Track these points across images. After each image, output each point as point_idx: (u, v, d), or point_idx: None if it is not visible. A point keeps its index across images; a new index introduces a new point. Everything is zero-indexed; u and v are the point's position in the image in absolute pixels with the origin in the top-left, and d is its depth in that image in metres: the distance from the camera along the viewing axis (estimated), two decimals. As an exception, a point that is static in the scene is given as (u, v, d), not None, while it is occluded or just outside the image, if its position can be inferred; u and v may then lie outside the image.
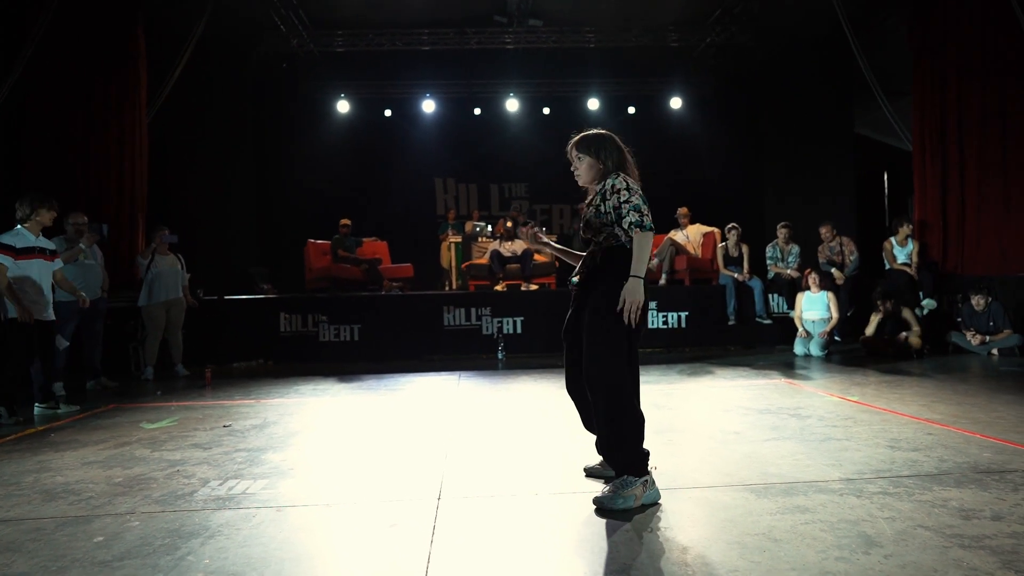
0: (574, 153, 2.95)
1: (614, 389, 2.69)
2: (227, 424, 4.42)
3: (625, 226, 2.73)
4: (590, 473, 3.11)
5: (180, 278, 7.01)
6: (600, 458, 3.12)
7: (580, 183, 2.99)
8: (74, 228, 6.01)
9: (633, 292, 2.67)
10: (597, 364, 2.70)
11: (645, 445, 2.75)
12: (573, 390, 3.00)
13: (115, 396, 5.77)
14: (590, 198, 2.92)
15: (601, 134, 2.93)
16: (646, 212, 2.74)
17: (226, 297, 8.22)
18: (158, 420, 4.62)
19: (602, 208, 2.80)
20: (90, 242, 6.11)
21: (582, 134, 2.95)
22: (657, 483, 2.82)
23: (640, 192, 2.79)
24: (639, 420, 2.73)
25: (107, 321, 6.50)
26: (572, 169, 2.98)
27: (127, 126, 8.18)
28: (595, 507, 2.65)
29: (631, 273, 2.70)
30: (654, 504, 2.68)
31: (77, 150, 7.93)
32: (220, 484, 3.09)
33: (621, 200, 2.75)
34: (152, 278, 6.77)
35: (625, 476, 2.66)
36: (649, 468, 2.72)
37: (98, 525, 2.60)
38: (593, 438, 3.08)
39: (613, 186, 2.79)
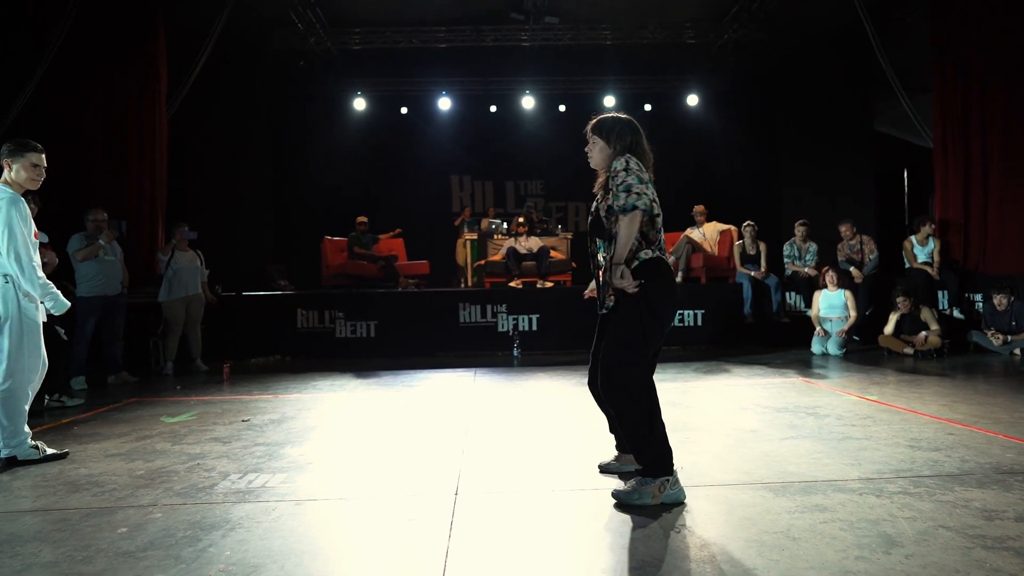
0: (589, 135, 2.91)
1: (631, 394, 2.67)
2: (246, 419, 4.47)
3: (616, 208, 2.63)
4: (604, 469, 3.12)
5: (199, 274, 7.09)
6: (615, 454, 3.13)
7: (591, 165, 2.95)
8: (94, 224, 6.09)
9: (617, 279, 2.63)
10: (614, 369, 2.69)
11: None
12: (596, 394, 3.00)
13: (136, 390, 5.85)
14: (603, 189, 2.86)
15: (617, 117, 2.88)
16: (637, 191, 2.62)
17: (244, 293, 8.29)
18: (178, 414, 4.68)
19: (611, 196, 2.73)
20: (109, 239, 6.18)
21: (599, 117, 2.91)
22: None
23: (639, 172, 2.68)
24: (658, 422, 2.70)
25: (127, 316, 6.58)
26: (586, 150, 2.94)
27: (146, 123, 8.29)
28: (614, 501, 2.66)
29: (613, 260, 2.65)
30: (678, 504, 2.65)
31: (97, 147, 8.04)
32: (240, 478, 3.12)
33: (616, 182, 2.66)
34: (171, 274, 6.85)
35: (646, 476, 2.66)
36: (675, 468, 2.70)
37: (121, 516, 2.64)
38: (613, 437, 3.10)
39: (614, 169, 2.70)
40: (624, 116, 2.90)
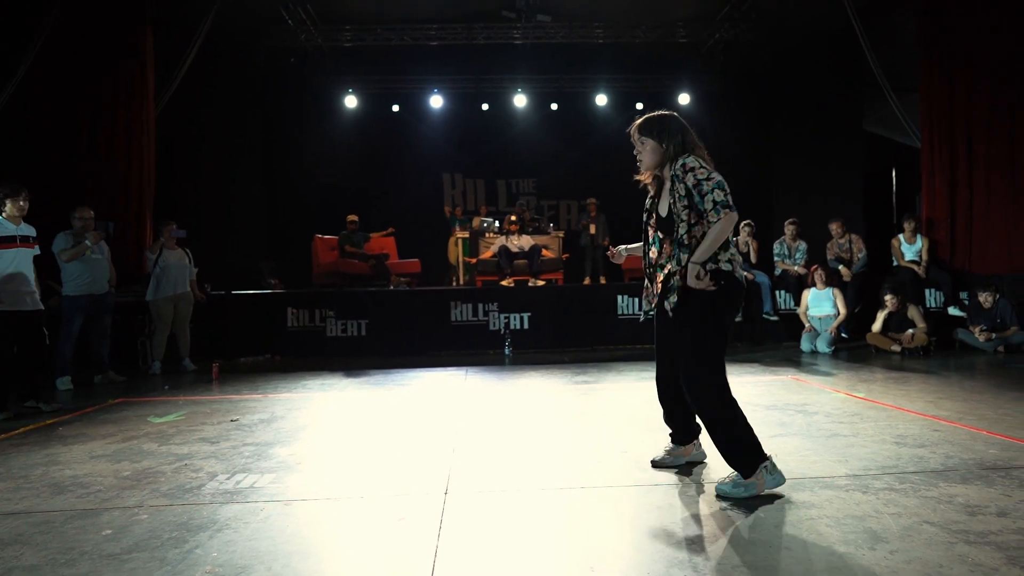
0: (636, 136, 2.85)
1: (716, 403, 2.69)
2: (234, 418, 4.45)
3: (708, 205, 2.61)
4: (658, 464, 3.14)
5: (188, 272, 7.04)
6: (666, 448, 3.15)
7: (642, 169, 2.89)
8: (80, 223, 6.03)
9: (691, 277, 2.61)
10: (697, 382, 2.70)
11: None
12: (663, 396, 3.08)
13: (122, 390, 5.80)
14: (663, 187, 2.82)
15: (663, 115, 2.83)
16: (728, 191, 2.63)
17: (233, 292, 8.25)
18: (166, 414, 4.65)
19: (676, 194, 2.70)
20: (96, 240, 6.11)
21: (645, 116, 2.86)
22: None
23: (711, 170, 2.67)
24: (743, 422, 2.70)
25: (114, 315, 6.53)
26: (635, 153, 2.89)
27: (134, 121, 8.22)
28: (716, 495, 2.71)
29: (693, 259, 2.63)
30: (780, 487, 2.69)
31: (84, 145, 7.98)
32: (228, 478, 3.11)
33: (699, 178, 2.64)
34: (160, 272, 6.81)
35: (744, 471, 2.69)
36: (768, 454, 2.71)
37: (106, 518, 2.62)
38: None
39: (684, 165, 2.68)
40: (669, 112, 2.86)
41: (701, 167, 2.67)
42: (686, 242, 2.70)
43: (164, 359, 6.88)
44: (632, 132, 2.87)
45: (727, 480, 2.72)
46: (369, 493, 2.87)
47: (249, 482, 3.04)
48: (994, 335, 6.95)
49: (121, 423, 4.40)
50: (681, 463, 3.11)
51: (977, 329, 7.05)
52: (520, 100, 12.59)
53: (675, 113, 2.86)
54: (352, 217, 9.94)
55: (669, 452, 3.13)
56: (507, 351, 7.72)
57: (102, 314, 6.24)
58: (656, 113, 2.86)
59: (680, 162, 2.70)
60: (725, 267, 2.69)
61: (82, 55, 7.92)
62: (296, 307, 8.10)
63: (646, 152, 2.83)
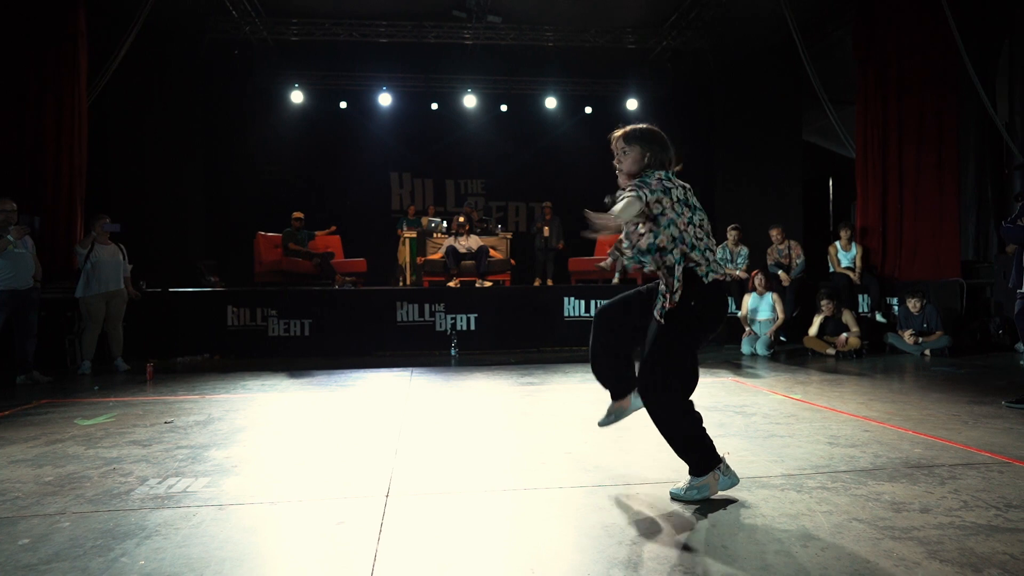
0: (620, 144, 2.85)
1: (665, 403, 2.71)
2: (169, 420, 4.28)
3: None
4: (603, 425, 3.11)
5: (121, 269, 6.77)
6: (607, 408, 3.11)
7: (621, 178, 2.88)
8: (2, 216, 5.71)
9: (597, 219, 2.61)
10: (652, 377, 2.72)
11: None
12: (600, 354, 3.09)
13: (48, 391, 5.52)
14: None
15: (650, 128, 2.88)
16: (652, 190, 2.65)
17: (171, 289, 7.97)
18: (94, 416, 4.44)
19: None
20: (19, 235, 5.80)
21: (629, 127, 2.88)
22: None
23: (667, 187, 2.69)
24: (695, 424, 2.72)
25: (41, 312, 6.21)
26: (615, 163, 2.89)
27: (65, 109, 7.83)
28: (671, 497, 2.72)
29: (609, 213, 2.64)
30: (733, 489, 2.72)
31: (9, 134, 7.56)
32: (159, 482, 2.99)
33: (637, 182, 2.70)
34: (90, 268, 6.52)
35: (698, 475, 2.71)
36: (722, 455, 2.74)
37: (24, 527, 2.48)
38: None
39: (655, 175, 2.74)
40: (654, 128, 2.90)
41: (659, 181, 2.72)
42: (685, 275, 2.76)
43: (95, 359, 6.58)
44: (615, 138, 2.88)
45: (681, 484, 2.76)
46: (308, 496, 2.80)
47: (182, 486, 2.93)
48: (921, 339, 7.30)
49: (45, 425, 4.18)
50: (625, 416, 3.05)
51: (906, 334, 7.38)
52: (470, 100, 12.57)
53: (659, 130, 2.91)
54: (297, 215, 9.73)
55: (608, 410, 3.09)
56: (453, 352, 7.69)
57: (26, 310, 5.93)
58: (643, 126, 2.89)
59: (654, 175, 2.75)
60: (715, 277, 2.73)
61: (7, 37, 7.50)
62: (237, 306, 7.87)
63: (627, 160, 2.84)
